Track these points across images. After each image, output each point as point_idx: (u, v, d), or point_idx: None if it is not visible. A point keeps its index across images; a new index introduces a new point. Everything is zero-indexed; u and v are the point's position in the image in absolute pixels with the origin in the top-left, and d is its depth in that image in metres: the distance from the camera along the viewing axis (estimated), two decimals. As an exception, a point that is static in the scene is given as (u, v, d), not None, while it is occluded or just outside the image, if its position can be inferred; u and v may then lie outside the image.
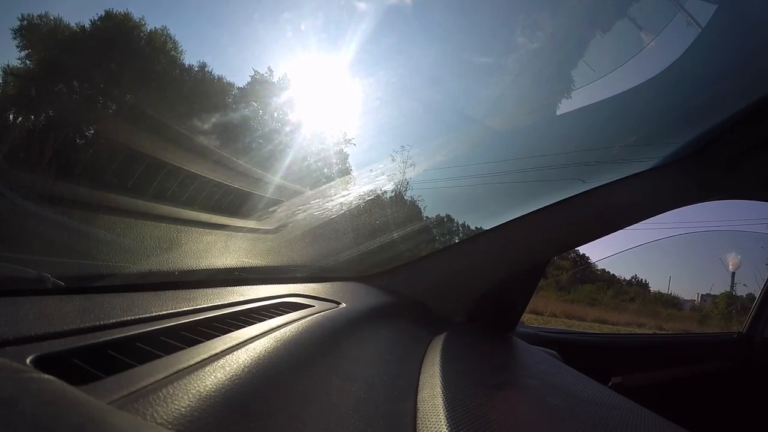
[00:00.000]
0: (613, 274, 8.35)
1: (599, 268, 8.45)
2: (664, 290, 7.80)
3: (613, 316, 7.27)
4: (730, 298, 5.20)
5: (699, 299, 7.12)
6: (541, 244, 1.21)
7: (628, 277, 8.42)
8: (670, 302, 7.52)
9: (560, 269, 7.32)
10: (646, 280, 8.22)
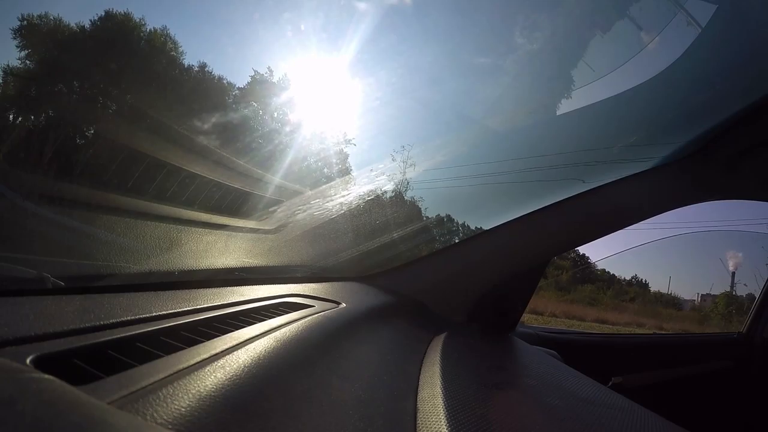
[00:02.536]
0: (613, 274, 8.35)
1: (599, 268, 8.46)
2: (664, 290, 7.80)
3: (613, 316, 7.27)
4: (730, 298, 5.20)
5: (699, 299, 7.13)
6: (541, 244, 1.21)
7: (628, 277, 8.42)
8: (670, 302, 7.52)
9: (560, 269, 7.33)
10: (646, 280, 8.22)
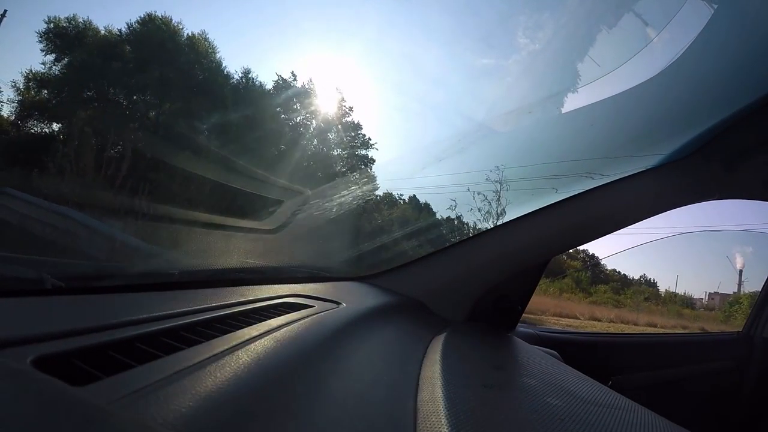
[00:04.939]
0: (624, 274, 8.32)
1: (609, 268, 8.41)
2: (668, 289, 7.81)
3: (661, 320, 7.20)
4: (753, 297, 5.17)
5: (707, 298, 7.14)
6: (541, 244, 1.21)
7: (636, 277, 8.40)
8: (684, 302, 7.51)
9: (572, 269, 7.31)
10: (654, 279, 8.20)
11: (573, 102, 1.41)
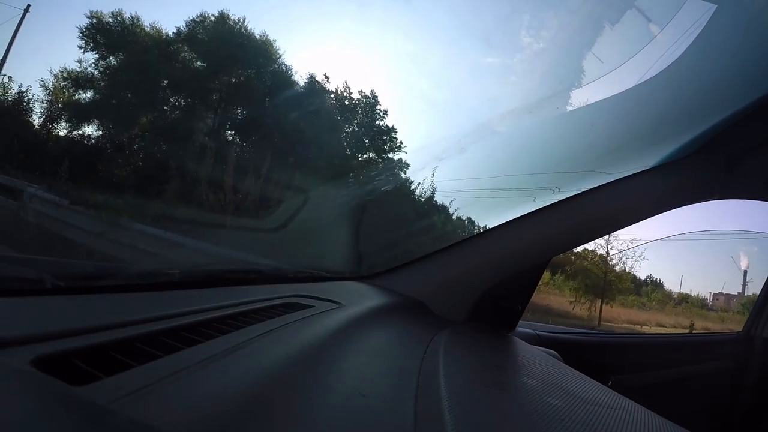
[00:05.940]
0: (634, 274, 8.19)
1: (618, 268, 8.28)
2: (671, 290, 7.76)
3: (711, 324, 7.10)
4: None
5: (711, 298, 7.12)
6: (541, 244, 1.21)
7: (642, 277, 8.30)
8: (701, 303, 7.46)
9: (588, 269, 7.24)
10: (660, 280, 8.14)
11: (574, 102, 1.41)
